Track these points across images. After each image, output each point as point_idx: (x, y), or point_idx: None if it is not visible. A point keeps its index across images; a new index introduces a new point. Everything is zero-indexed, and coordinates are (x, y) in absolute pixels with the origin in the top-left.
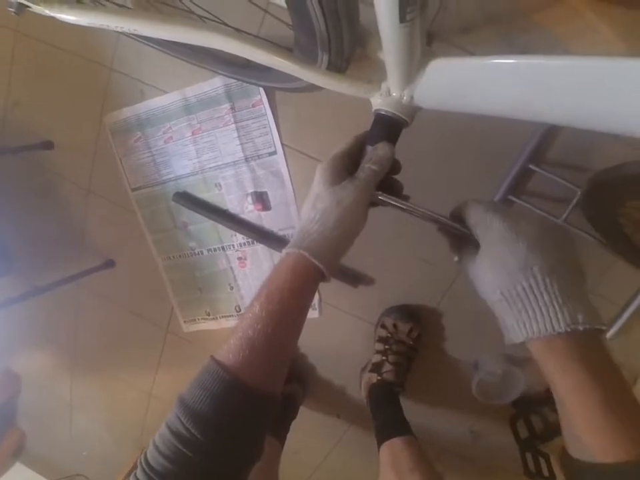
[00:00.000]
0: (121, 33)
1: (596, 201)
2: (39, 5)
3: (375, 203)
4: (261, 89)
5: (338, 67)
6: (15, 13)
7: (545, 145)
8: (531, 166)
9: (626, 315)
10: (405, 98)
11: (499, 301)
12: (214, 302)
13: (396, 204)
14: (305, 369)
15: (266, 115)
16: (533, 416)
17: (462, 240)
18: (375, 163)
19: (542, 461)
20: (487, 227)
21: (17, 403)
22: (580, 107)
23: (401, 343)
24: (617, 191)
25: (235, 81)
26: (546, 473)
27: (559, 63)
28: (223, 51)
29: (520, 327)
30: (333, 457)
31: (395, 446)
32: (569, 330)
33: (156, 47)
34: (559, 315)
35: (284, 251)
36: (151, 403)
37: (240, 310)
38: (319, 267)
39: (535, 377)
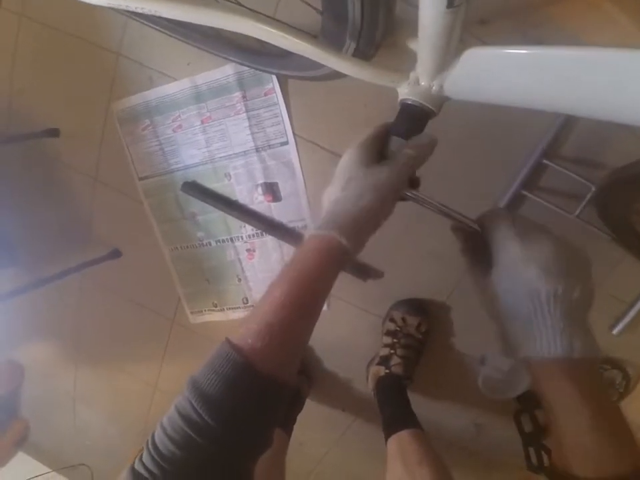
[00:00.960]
0: (133, 16)
1: (610, 198)
2: None
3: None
4: (274, 77)
5: (365, 54)
6: None
7: (560, 140)
8: (545, 161)
9: (632, 312)
10: (434, 88)
11: (501, 318)
12: (221, 293)
13: (421, 200)
14: (311, 362)
15: (278, 104)
16: (537, 411)
17: (475, 248)
18: (415, 149)
19: (544, 455)
20: (504, 248)
21: (21, 393)
22: (617, 100)
23: (409, 336)
24: (632, 188)
25: (247, 68)
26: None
27: (591, 54)
28: (235, 37)
29: (518, 345)
30: (337, 449)
31: (402, 439)
32: (565, 355)
33: (167, 32)
34: (557, 341)
35: (310, 232)
36: (156, 395)
37: (247, 302)
38: (347, 249)
39: None
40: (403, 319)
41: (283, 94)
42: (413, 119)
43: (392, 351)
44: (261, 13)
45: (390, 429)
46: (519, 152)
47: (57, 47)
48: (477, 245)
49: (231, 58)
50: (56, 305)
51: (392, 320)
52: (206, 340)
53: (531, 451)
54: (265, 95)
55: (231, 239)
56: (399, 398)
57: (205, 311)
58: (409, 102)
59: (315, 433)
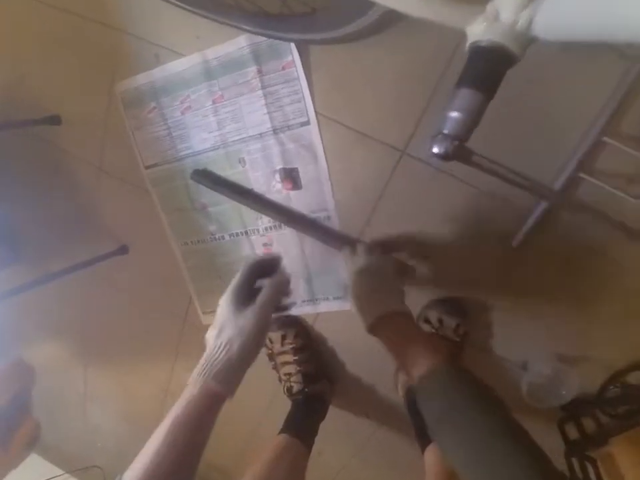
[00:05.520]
0: None
1: None
2: None
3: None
4: (293, 47)
5: None
6: None
7: (621, 115)
8: (605, 139)
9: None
10: (520, 23)
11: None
12: None
13: None
14: (335, 366)
15: (298, 78)
16: (583, 418)
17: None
18: (271, 289)
19: (589, 466)
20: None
21: (31, 393)
22: None
23: (445, 339)
24: None
25: (264, 39)
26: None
27: None
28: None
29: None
30: (358, 459)
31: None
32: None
33: (174, 1)
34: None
35: (191, 379)
36: (167, 398)
37: None
38: (221, 392)
39: (588, 377)
40: (440, 320)
41: (303, 66)
42: (492, 64)
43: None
44: None
45: (424, 440)
46: (575, 128)
47: (57, 26)
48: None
49: (245, 27)
50: (63, 302)
51: (427, 321)
52: None
53: (574, 461)
54: (283, 68)
55: (246, 232)
56: None
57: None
58: (485, 44)
59: (335, 441)
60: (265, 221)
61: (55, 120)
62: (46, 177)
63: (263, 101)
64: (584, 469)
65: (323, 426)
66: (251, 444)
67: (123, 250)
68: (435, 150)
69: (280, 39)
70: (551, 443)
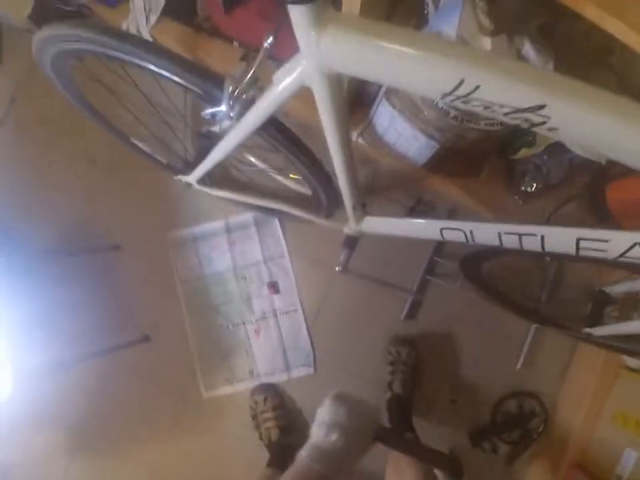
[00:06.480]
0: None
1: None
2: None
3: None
4: (276, 220)
5: (329, 215)
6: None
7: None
8: (436, 257)
9: (525, 348)
10: (358, 228)
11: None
12: (233, 368)
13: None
14: (303, 422)
15: (278, 233)
16: (484, 443)
17: None
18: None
19: None
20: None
21: None
22: None
23: (404, 363)
24: (477, 262)
25: (261, 214)
26: None
27: None
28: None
29: None
30: None
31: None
32: None
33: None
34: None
35: (303, 457)
36: None
37: (253, 373)
38: (325, 474)
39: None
40: (397, 352)
41: (281, 228)
42: (351, 241)
43: (393, 377)
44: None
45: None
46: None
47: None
48: None
49: (252, 209)
50: (76, 389)
51: (390, 353)
52: (215, 417)
53: None
54: (271, 228)
55: (244, 323)
56: (402, 414)
57: (218, 384)
58: (349, 234)
59: None
60: (257, 314)
61: (116, 248)
62: (97, 287)
63: (258, 245)
64: None
65: None
66: None
67: (145, 339)
68: (337, 269)
69: (270, 215)
70: None
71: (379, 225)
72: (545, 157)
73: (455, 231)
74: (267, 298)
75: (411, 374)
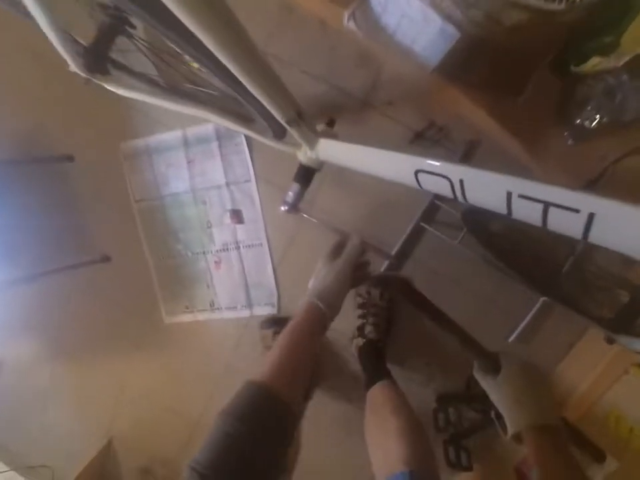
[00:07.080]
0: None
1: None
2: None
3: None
4: (243, 135)
5: (279, 136)
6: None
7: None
8: (437, 201)
9: (523, 324)
10: (314, 156)
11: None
12: (192, 298)
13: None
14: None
15: (244, 152)
16: (450, 409)
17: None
18: (351, 249)
19: (463, 454)
20: (508, 380)
21: None
22: None
23: (376, 306)
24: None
25: (225, 127)
26: (465, 464)
27: None
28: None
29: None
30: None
31: (373, 392)
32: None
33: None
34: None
35: (305, 299)
36: (122, 393)
37: (213, 305)
38: (324, 310)
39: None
40: (368, 292)
41: (248, 146)
42: (306, 172)
43: (364, 321)
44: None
45: (367, 388)
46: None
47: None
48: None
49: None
50: (44, 302)
51: (359, 295)
52: (176, 341)
53: (451, 450)
54: (236, 145)
55: (204, 252)
56: (376, 360)
57: (178, 312)
58: (303, 163)
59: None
60: (217, 244)
61: (69, 158)
62: (53, 200)
63: (220, 165)
64: (458, 455)
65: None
66: (193, 437)
67: (105, 259)
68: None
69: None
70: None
71: (337, 152)
72: (625, 75)
73: (437, 177)
74: (229, 227)
75: (386, 316)
